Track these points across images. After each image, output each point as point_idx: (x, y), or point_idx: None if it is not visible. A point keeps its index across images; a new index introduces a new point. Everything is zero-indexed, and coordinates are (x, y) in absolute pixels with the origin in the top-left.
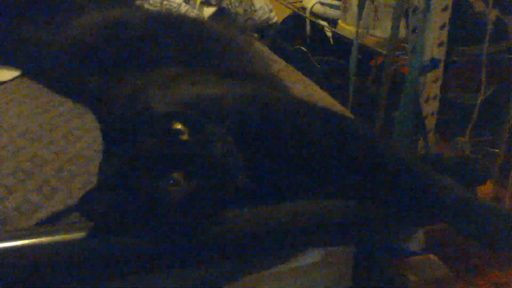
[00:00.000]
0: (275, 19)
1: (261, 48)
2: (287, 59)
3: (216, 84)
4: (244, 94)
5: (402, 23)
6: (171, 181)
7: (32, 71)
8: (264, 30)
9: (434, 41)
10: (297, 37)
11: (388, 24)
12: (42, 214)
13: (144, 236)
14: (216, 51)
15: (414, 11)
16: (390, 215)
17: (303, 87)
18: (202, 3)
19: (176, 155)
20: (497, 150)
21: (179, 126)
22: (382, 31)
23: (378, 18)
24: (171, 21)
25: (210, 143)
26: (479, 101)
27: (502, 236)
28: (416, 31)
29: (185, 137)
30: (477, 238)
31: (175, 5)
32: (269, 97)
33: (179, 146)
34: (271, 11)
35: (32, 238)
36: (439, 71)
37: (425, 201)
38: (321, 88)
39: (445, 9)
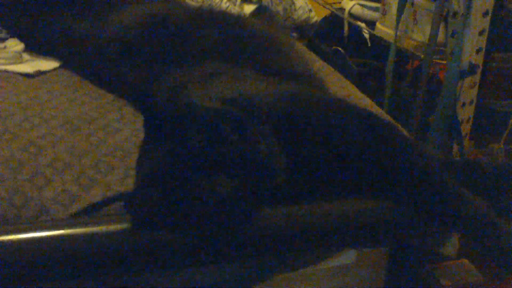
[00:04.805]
0: (314, 19)
1: (301, 47)
2: (324, 59)
3: (257, 82)
4: (285, 92)
5: (441, 27)
6: (214, 178)
7: (73, 62)
8: (302, 29)
9: (472, 47)
10: (335, 38)
11: (427, 28)
12: (80, 205)
13: (182, 232)
14: (257, 48)
15: (453, 15)
16: (423, 218)
17: (341, 87)
18: (243, 1)
19: (220, 153)
20: None
21: (223, 123)
22: (420, 34)
23: (417, 22)
24: (212, 17)
25: (254, 142)
26: None
27: None
28: (455, 36)
29: (229, 134)
30: (494, 260)
31: (216, 1)
32: (310, 96)
33: (223, 143)
34: (310, 10)
35: (68, 229)
36: (476, 77)
37: (446, 213)
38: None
39: (485, 14)
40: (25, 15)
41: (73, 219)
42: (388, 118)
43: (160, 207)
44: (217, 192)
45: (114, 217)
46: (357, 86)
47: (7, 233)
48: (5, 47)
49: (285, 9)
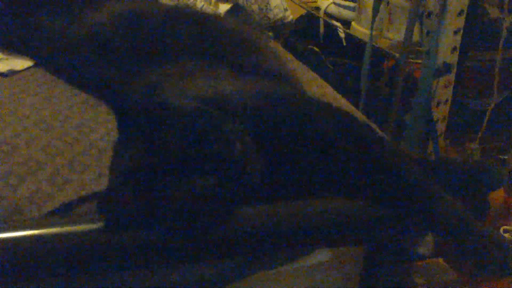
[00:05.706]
0: (289, 18)
1: (276, 46)
2: (300, 58)
3: (232, 80)
4: (260, 91)
5: (416, 26)
6: (189, 177)
7: (46, 61)
8: (278, 28)
9: (447, 46)
10: (310, 37)
11: (402, 27)
12: (54, 204)
13: (156, 231)
14: (232, 47)
15: (429, 15)
16: (398, 217)
17: (317, 86)
18: (218, 0)
19: (195, 152)
20: (506, 157)
21: (198, 122)
22: (396, 34)
23: (392, 21)
24: (188, 16)
25: (230, 141)
26: (490, 107)
27: (491, 262)
28: (430, 35)
29: (204, 133)
30: (468, 259)
31: (191, 0)
32: (285, 95)
33: (198, 142)
34: (286, 10)
35: (43, 228)
36: (452, 76)
37: (420, 212)
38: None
39: (460, 14)
40: None
41: (47, 219)
42: (363, 117)
43: (134, 206)
44: (192, 191)
45: (88, 217)
46: (332, 86)
47: None
48: None
49: (260, 8)
